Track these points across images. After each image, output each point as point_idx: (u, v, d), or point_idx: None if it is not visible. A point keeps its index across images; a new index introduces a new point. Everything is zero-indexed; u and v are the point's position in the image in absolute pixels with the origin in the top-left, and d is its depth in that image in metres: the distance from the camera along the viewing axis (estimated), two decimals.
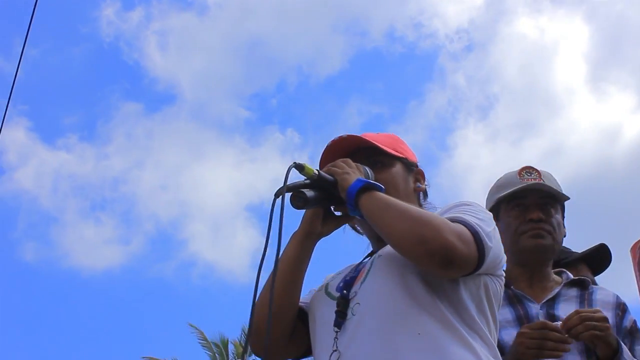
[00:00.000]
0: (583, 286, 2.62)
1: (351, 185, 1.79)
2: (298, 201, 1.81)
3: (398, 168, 2.04)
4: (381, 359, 1.69)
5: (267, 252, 1.71)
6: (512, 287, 2.58)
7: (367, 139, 2.03)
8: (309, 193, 1.81)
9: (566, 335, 2.28)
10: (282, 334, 1.91)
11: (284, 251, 1.89)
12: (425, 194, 2.12)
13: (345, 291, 1.86)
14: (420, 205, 2.06)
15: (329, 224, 1.95)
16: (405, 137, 2.15)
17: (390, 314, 1.74)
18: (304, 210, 1.90)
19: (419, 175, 2.12)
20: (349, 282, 1.89)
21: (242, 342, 28.18)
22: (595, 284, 2.90)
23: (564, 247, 3.03)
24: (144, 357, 27.43)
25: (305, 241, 1.92)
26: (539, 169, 2.67)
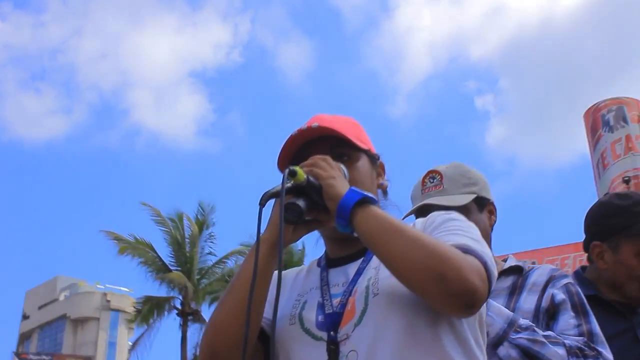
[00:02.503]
0: (519, 272, 2.48)
1: (344, 197, 1.59)
2: (292, 215, 1.59)
3: (364, 162, 1.83)
4: None
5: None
6: None
7: (335, 128, 1.77)
8: (301, 203, 1.60)
9: None
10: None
11: (248, 263, 1.64)
12: (385, 191, 1.92)
13: (332, 332, 1.65)
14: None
15: (300, 230, 1.70)
16: None
17: None
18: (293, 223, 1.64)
19: (381, 169, 1.91)
20: (335, 320, 1.67)
21: (199, 216, 28.95)
22: None
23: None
24: (102, 231, 28.77)
25: (273, 251, 1.64)
26: (442, 170, 2.54)
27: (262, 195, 1.56)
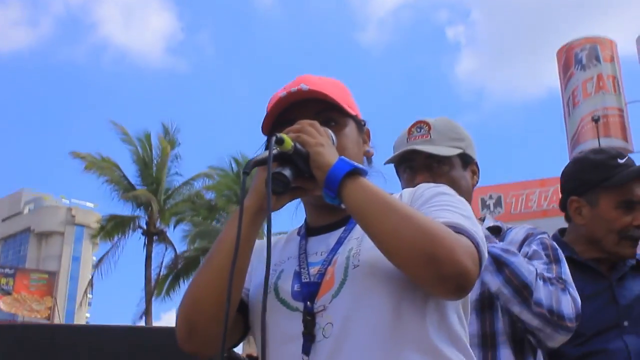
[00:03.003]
0: (497, 232, 2.46)
1: (333, 167, 1.51)
2: (278, 185, 1.50)
3: (352, 129, 1.74)
4: None
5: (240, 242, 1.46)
6: None
7: (324, 92, 1.68)
8: (287, 173, 1.51)
9: None
10: (220, 330, 1.52)
11: (228, 231, 1.57)
12: (370, 160, 1.84)
13: (309, 303, 1.58)
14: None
15: (284, 198, 1.60)
16: None
17: (374, 346, 1.50)
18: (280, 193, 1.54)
19: (366, 136, 1.82)
20: (312, 290, 1.60)
21: (165, 136, 28.75)
22: None
23: None
24: (71, 153, 28.52)
25: (257, 218, 1.58)
26: (431, 121, 2.51)
27: (247, 163, 1.48)
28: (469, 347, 1.61)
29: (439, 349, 1.52)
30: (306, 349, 1.53)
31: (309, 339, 1.54)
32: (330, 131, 1.63)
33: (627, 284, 2.60)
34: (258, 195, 1.57)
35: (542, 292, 2.14)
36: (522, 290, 2.13)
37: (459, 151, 2.46)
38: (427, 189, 1.68)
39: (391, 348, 1.49)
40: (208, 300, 1.54)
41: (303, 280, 1.62)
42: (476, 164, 2.55)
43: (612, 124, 22.60)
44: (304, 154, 1.53)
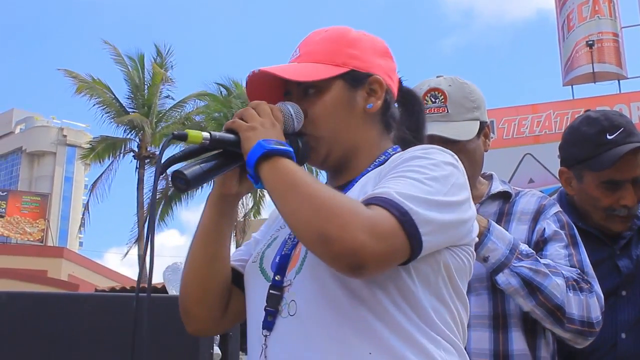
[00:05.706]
0: (507, 198, 2.39)
1: (250, 152, 1.47)
2: (179, 183, 1.45)
3: (337, 90, 1.63)
4: None
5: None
6: None
7: (274, 72, 1.61)
8: (190, 170, 1.45)
9: None
10: (215, 310, 1.65)
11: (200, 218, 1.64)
12: (387, 110, 1.69)
13: (278, 277, 1.54)
14: (382, 138, 1.70)
15: (247, 181, 1.57)
16: None
17: (333, 325, 1.45)
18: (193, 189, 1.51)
19: (376, 85, 1.66)
20: (284, 263, 1.56)
21: (157, 58, 28.33)
22: None
23: None
24: (60, 69, 28.16)
25: (221, 204, 1.62)
26: (445, 88, 2.32)
27: (163, 163, 1.46)
28: (443, 328, 1.49)
29: (406, 328, 1.45)
30: (267, 325, 1.50)
31: (270, 313, 1.50)
32: (289, 107, 1.59)
33: (631, 250, 2.59)
34: (216, 182, 1.62)
35: (573, 305, 2.13)
36: (556, 311, 2.12)
37: (477, 124, 2.31)
38: (409, 152, 1.57)
39: (357, 328, 1.43)
40: (191, 284, 1.64)
41: (283, 252, 1.59)
42: (488, 125, 2.40)
43: (606, 49, 22.32)
44: (233, 141, 1.49)
